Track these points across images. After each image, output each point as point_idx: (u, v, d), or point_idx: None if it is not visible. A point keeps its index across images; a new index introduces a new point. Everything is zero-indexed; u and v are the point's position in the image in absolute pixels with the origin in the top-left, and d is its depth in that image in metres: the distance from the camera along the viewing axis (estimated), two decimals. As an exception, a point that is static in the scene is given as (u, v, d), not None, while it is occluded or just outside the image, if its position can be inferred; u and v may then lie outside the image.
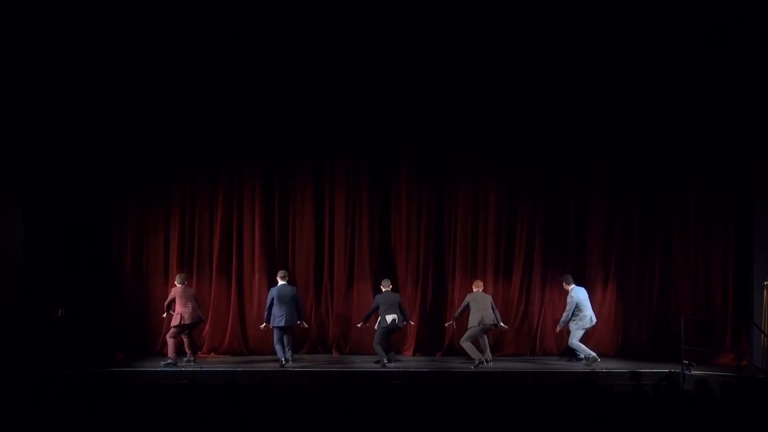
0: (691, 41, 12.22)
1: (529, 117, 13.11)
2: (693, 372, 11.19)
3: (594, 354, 11.97)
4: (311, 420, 6.92)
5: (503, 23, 12.37)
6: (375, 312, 12.18)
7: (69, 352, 11.76)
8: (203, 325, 12.78)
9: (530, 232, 13.32)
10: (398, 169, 13.46)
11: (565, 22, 12.22)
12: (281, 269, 12.52)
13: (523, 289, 13.30)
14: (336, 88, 13.00)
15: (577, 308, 12.16)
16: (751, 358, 12.13)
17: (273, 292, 12.06)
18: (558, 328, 12.50)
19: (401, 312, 12.17)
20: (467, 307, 12.22)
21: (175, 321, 11.89)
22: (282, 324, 11.87)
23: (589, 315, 12.23)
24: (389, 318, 11.97)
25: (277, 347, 11.95)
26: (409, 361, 12.60)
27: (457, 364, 12.23)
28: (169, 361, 11.83)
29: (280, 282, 12.17)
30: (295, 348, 12.58)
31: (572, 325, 12.23)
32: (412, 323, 12.89)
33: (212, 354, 12.97)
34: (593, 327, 12.48)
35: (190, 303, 11.95)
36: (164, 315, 12.26)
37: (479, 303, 12.13)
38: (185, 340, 12.02)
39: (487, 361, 12.03)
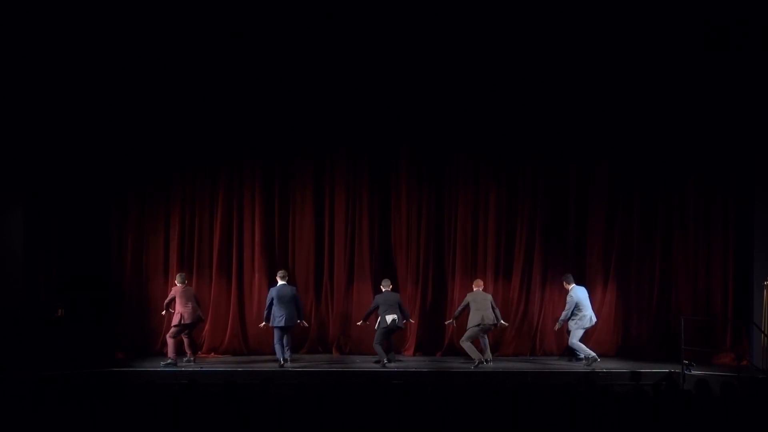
0: (691, 41, 12.22)
1: (529, 117, 13.11)
2: (693, 372, 11.19)
3: (594, 354, 11.97)
4: (311, 420, 6.92)
5: (503, 23, 12.38)
6: (375, 311, 12.19)
7: (69, 352, 11.74)
8: (203, 324, 12.78)
9: (530, 232, 13.32)
10: (398, 169, 13.46)
11: (565, 22, 12.22)
12: (281, 269, 12.52)
13: (523, 289, 13.30)
14: (336, 88, 13.00)
15: (577, 308, 12.16)
16: (751, 358, 12.13)
17: (273, 292, 12.07)
18: (556, 327, 12.50)
19: (401, 311, 12.18)
20: (467, 307, 12.23)
21: (175, 320, 11.90)
22: (282, 324, 11.88)
23: (588, 314, 12.22)
24: (389, 318, 11.97)
25: (277, 347, 11.95)
26: (409, 361, 12.60)
27: (457, 364, 12.22)
28: (169, 361, 11.83)
29: (280, 282, 12.17)
30: (295, 348, 12.60)
31: (572, 325, 12.23)
32: (413, 321, 12.89)
33: (212, 354, 12.97)
34: (593, 326, 12.48)
35: (190, 303, 11.95)
36: (163, 313, 12.28)
37: (479, 303, 12.13)
38: (185, 340, 12.02)
39: (487, 361, 12.03)
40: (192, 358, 12.04)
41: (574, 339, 12.17)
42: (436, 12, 12.19)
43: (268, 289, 12.37)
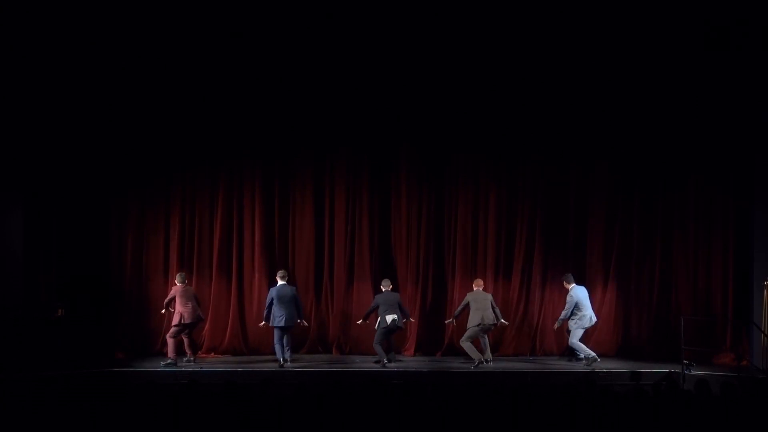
0: (691, 41, 12.22)
1: (529, 117, 13.11)
2: (693, 372, 11.19)
3: (594, 354, 11.97)
4: (311, 420, 6.92)
5: (503, 23, 12.38)
6: (375, 311, 12.19)
7: (69, 352, 11.75)
8: (203, 324, 12.79)
9: (530, 232, 13.32)
10: (398, 169, 13.46)
11: (565, 22, 12.22)
12: (281, 269, 12.52)
13: (522, 289, 13.30)
14: (336, 88, 13.00)
15: (577, 307, 12.16)
16: (751, 358, 12.13)
17: (273, 292, 12.07)
18: (556, 326, 12.51)
19: (401, 311, 12.18)
20: (467, 306, 12.23)
21: (175, 320, 11.91)
22: (282, 324, 11.88)
23: (588, 314, 12.22)
24: (389, 318, 11.98)
25: (277, 347, 11.95)
26: (409, 361, 12.60)
27: (457, 364, 12.23)
28: (169, 361, 11.83)
29: (280, 282, 12.18)
30: (295, 348, 12.61)
31: (572, 324, 12.23)
32: (413, 320, 12.89)
33: (212, 354, 12.98)
34: (593, 326, 12.48)
35: (190, 302, 11.96)
36: (163, 312, 12.28)
37: (479, 303, 12.13)
38: (185, 340, 12.03)
39: (487, 361, 12.04)
40: (192, 358, 12.04)
41: (574, 339, 12.17)
42: (436, 12, 12.18)
43: (268, 289, 12.37)
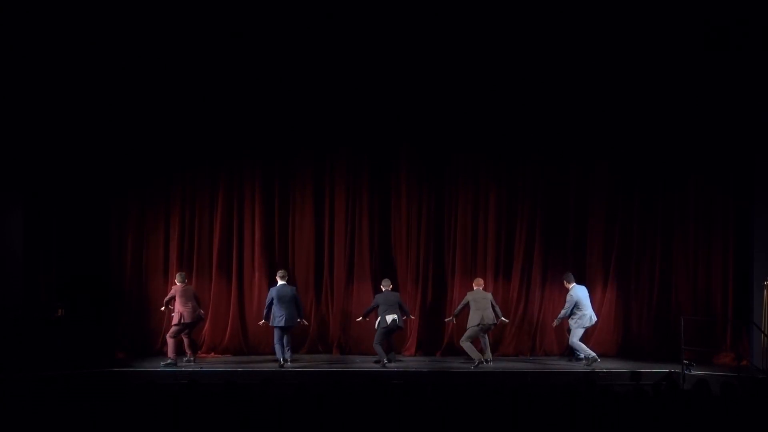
0: (691, 41, 12.22)
1: (529, 117, 13.11)
2: (693, 372, 11.19)
3: (594, 354, 11.97)
4: (311, 420, 6.91)
5: (503, 23, 12.38)
6: (375, 310, 12.20)
7: (69, 352, 11.75)
8: (203, 324, 12.79)
9: (530, 232, 13.32)
10: (398, 169, 13.46)
11: (565, 22, 12.22)
12: (281, 269, 12.52)
13: (522, 289, 13.31)
14: (336, 88, 13.00)
15: (577, 307, 12.17)
16: (751, 358, 12.14)
17: (273, 292, 12.07)
18: (555, 324, 12.53)
19: (402, 310, 12.19)
20: (467, 306, 12.24)
21: (175, 320, 11.91)
22: (282, 324, 11.88)
23: (588, 314, 12.23)
24: (389, 318, 11.98)
25: (277, 347, 11.96)
26: (409, 361, 12.60)
27: (457, 364, 12.23)
28: (169, 361, 11.83)
29: (280, 282, 12.18)
30: (295, 348, 12.61)
31: (572, 324, 12.23)
32: (413, 318, 12.89)
33: (212, 353, 12.98)
34: (593, 326, 12.49)
35: (190, 302, 11.95)
36: (162, 309, 12.29)
37: (479, 302, 12.13)
38: (185, 340, 12.03)
39: (487, 361, 12.04)
40: (192, 358, 12.04)
41: (575, 338, 12.18)
42: (436, 12, 12.18)
43: (268, 289, 12.38)
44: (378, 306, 12.14)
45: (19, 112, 12.10)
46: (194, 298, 12.10)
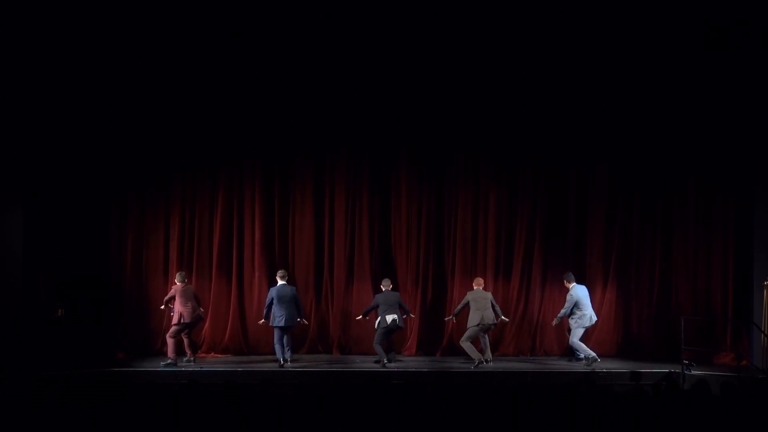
0: (691, 41, 12.22)
1: (529, 117, 13.11)
2: (693, 372, 11.19)
3: (594, 354, 11.97)
4: (311, 420, 6.91)
5: (503, 23, 12.38)
6: (374, 309, 12.20)
7: (69, 352, 11.75)
8: (203, 323, 12.79)
9: (530, 232, 13.33)
10: (398, 169, 13.46)
11: (565, 22, 12.22)
12: (281, 269, 12.52)
13: (522, 289, 13.31)
14: (336, 88, 13.00)
15: (577, 306, 12.17)
16: (751, 358, 12.13)
17: (273, 292, 12.07)
18: (554, 322, 12.53)
19: (402, 308, 12.20)
20: (467, 305, 12.24)
21: (174, 320, 11.91)
22: (282, 324, 11.89)
23: (589, 314, 12.23)
24: (389, 318, 11.98)
25: (277, 347, 11.96)
26: (409, 361, 12.60)
27: (457, 364, 12.23)
28: (169, 361, 11.83)
29: (280, 282, 12.18)
30: (295, 348, 12.61)
31: (572, 323, 12.24)
32: (413, 316, 12.89)
33: (212, 353, 12.98)
34: (593, 326, 12.49)
35: (190, 302, 11.95)
36: (162, 307, 12.29)
37: (479, 302, 12.13)
38: (185, 340, 12.03)
39: (487, 361, 12.04)
40: (192, 358, 12.04)
41: (575, 338, 12.18)
42: (436, 12, 12.18)
43: (268, 289, 12.38)
44: (378, 306, 12.14)
45: (19, 112, 12.10)
46: (194, 298, 12.10)
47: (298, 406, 7.08)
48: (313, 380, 10.54)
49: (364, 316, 12.43)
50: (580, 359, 12.19)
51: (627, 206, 13.21)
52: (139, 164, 13.13)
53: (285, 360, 11.91)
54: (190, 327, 12.06)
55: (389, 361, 12.00)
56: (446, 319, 12.84)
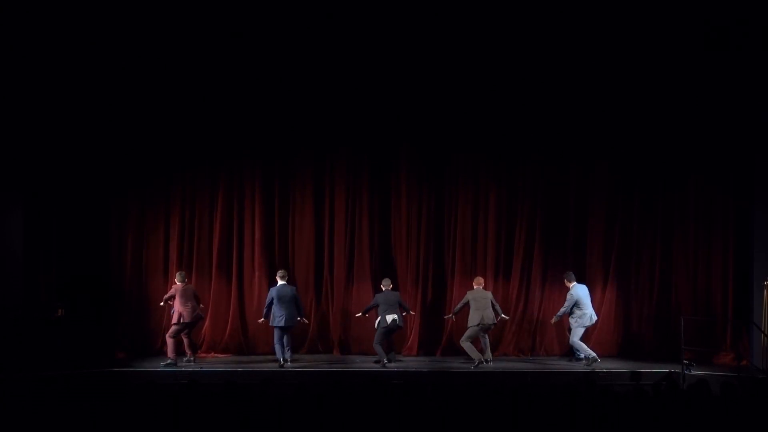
0: (691, 41, 12.22)
1: (529, 117, 13.11)
2: (693, 372, 11.20)
3: (594, 354, 11.97)
4: (311, 420, 6.92)
5: (503, 23, 12.38)
6: (374, 308, 12.21)
7: (69, 352, 11.75)
8: (203, 323, 12.79)
9: (530, 232, 13.33)
10: (398, 169, 13.46)
11: (564, 22, 12.22)
12: (281, 269, 12.52)
13: (522, 289, 13.31)
14: (336, 88, 13.00)
15: (577, 306, 12.17)
16: (751, 358, 12.14)
17: (273, 292, 12.08)
18: (553, 320, 12.55)
19: (402, 307, 12.21)
20: (467, 305, 12.24)
21: (174, 319, 11.91)
22: (282, 324, 11.89)
23: (589, 313, 12.23)
24: (389, 318, 11.99)
25: (277, 347, 11.96)
26: (409, 361, 12.60)
27: (457, 364, 12.23)
28: (169, 361, 11.83)
29: (280, 282, 12.18)
30: (295, 348, 12.62)
31: (573, 323, 12.24)
32: (413, 313, 12.89)
33: (212, 353, 12.98)
34: (594, 326, 12.50)
35: (190, 302, 11.95)
36: (161, 304, 12.31)
37: (479, 302, 12.13)
38: (185, 340, 12.03)
39: (487, 361, 12.04)
40: (192, 358, 12.04)
41: (575, 338, 12.19)
42: (436, 12, 12.18)
43: (268, 289, 12.38)
44: (378, 305, 12.14)
45: (19, 112, 12.10)
46: (194, 298, 12.10)
47: (298, 406, 7.09)
48: (313, 380, 10.53)
49: (364, 313, 12.44)
50: (580, 359, 12.20)
51: (627, 206, 13.21)
52: (139, 164, 13.13)
53: (285, 360, 11.91)
54: (190, 327, 12.07)
55: (389, 361, 12.00)
56: (446, 317, 12.85)
